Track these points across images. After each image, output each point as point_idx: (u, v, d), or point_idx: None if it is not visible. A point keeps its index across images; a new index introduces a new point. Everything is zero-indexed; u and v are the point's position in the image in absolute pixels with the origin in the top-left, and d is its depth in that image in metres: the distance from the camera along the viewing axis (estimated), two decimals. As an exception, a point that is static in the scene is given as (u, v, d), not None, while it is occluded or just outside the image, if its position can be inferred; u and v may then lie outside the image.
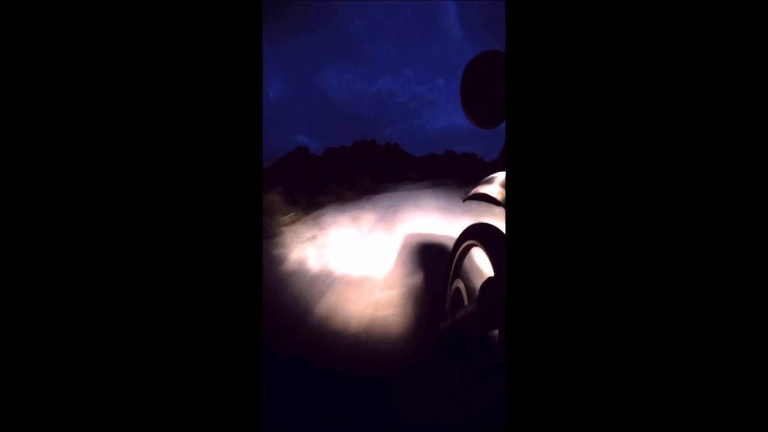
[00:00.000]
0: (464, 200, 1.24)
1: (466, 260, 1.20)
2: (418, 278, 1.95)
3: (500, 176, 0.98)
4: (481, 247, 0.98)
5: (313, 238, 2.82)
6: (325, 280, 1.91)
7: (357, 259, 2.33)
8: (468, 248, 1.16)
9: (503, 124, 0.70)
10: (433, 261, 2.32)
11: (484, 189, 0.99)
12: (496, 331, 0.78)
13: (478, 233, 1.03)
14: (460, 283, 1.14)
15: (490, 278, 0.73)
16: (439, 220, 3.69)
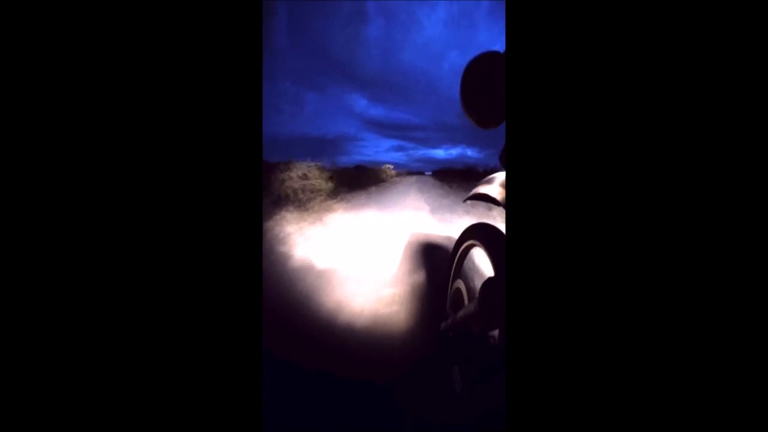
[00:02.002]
0: (465, 201, 1.24)
1: (467, 260, 1.20)
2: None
3: (500, 176, 0.98)
4: (481, 247, 0.99)
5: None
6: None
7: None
8: (468, 248, 1.16)
9: (503, 124, 0.70)
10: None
11: (484, 189, 0.99)
12: (496, 331, 0.79)
13: (478, 233, 1.03)
14: (460, 283, 1.14)
15: (490, 278, 0.73)
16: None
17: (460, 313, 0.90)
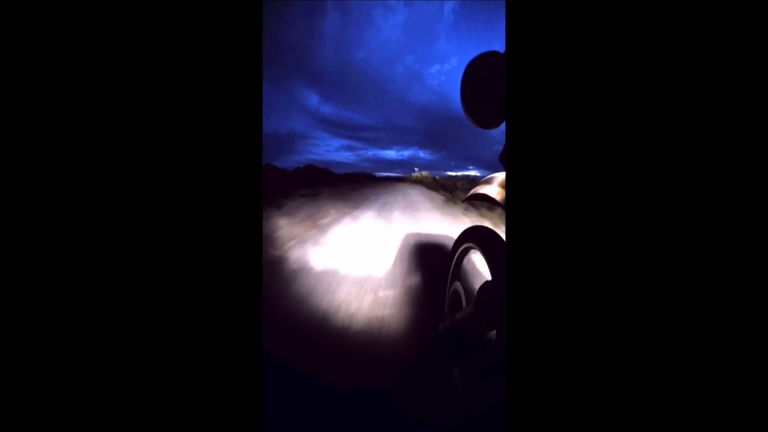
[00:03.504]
0: (463, 201, 1.24)
1: (465, 262, 1.20)
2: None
3: (499, 176, 0.98)
4: (478, 250, 0.99)
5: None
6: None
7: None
8: (466, 251, 1.17)
9: (503, 124, 0.70)
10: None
11: (483, 189, 0.99)
12: (494, 333, 0.79)
13: (476, 236, 1.03)
14: (458, 285, 1.14)
15: (487, 281, 0.74)
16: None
17: (458, 315, 0.90)
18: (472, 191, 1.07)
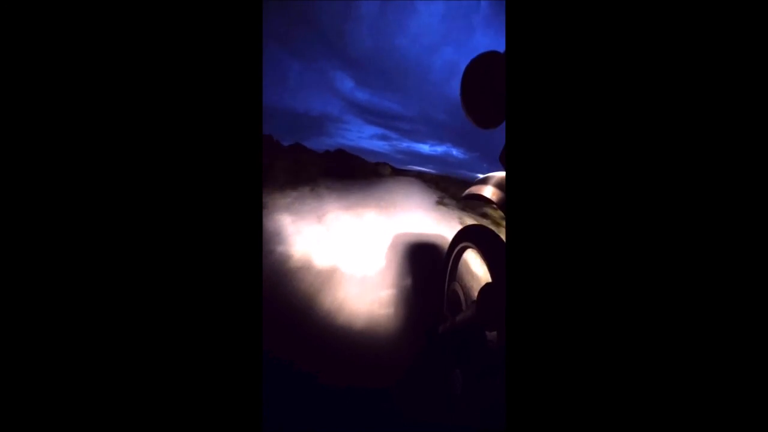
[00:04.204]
0: (461, 199, 1.24)
1: (462, 262, 1.20)
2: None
3: (496, 176, 0.98)
4: (475, 249, 0.99)
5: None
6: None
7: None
8: (463, 250, 1.17)
9: (503, 124, 0.70)
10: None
11: (479, 189, 0.99)
12: (495, 333, 0.79)
13: (474, 236, 1.03)
14: (456, 285, 1.14)
15: (488, 283, 0.74)
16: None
17: (459, 317, 0.90)
18: (468, 191, 1.08)
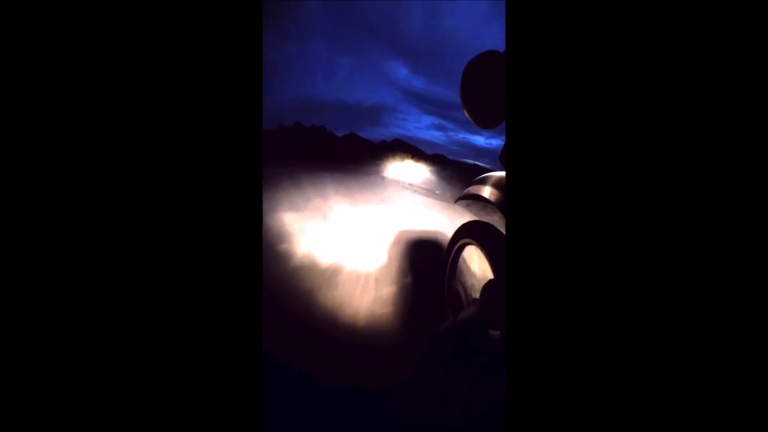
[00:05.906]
0: (456, 201, 1.24)
1: (462, 258, 1.20)
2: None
3: (493, 176, 0.98)
4: (476, 245, 0.98)
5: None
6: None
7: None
8: (463, 246, 1.16)
9: (503, 124, 0.70)
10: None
11: (476, 189, 0.99)
12: (497, 332, 0.78)
13: (473, 231, 1.03)
14: (457, 283, 1.14)
15: (490, 281, 0.73)
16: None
17: (461, 316, 0.90)
18: (465, 191, 1.07)
